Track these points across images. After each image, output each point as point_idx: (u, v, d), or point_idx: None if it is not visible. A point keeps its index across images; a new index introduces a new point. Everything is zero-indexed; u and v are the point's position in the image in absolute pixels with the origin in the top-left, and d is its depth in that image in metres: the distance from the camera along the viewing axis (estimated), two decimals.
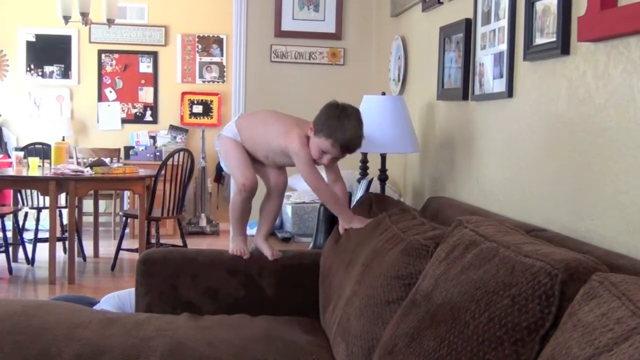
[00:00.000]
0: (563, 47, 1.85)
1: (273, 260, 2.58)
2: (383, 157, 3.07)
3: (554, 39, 1.89)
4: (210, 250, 2.75)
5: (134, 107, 7.80)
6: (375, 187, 3.04)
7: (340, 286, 2.08)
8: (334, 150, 2.31)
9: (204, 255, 2.64)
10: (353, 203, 2.86)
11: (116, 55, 7.74)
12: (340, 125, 2.29)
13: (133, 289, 2.70)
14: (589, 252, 1.44)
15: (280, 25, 4.10)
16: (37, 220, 6.12)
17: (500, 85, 2.28)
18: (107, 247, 6.40)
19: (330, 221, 2.84)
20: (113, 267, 5.72)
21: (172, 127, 7.80)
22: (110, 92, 7.76)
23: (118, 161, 7.01)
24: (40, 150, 6.47)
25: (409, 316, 1.46)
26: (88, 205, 6.58)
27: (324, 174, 2.49)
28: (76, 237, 5.57)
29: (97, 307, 3.13)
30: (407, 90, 3.48)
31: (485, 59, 2.42)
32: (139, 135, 7.75)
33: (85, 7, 6.10)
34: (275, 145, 2.44)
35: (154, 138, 7.75)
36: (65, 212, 5.94)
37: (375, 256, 1.91)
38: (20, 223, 6.02)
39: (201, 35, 7.77)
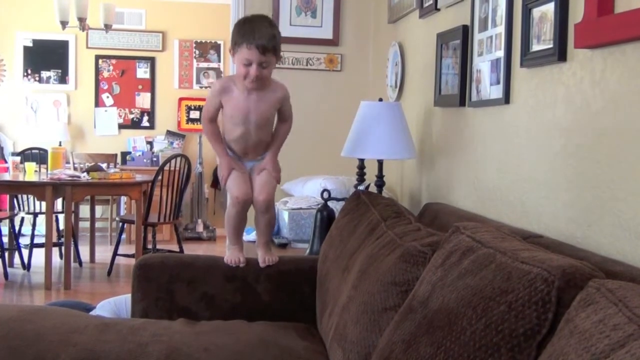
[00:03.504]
0: (560, 53, 1.86)
1: (264, 266, 2.57)
2: (380, 163, 3.07)
3: (551, 46, 1.90)
4: (206, 256, 2.75)
5: (131, 113, 7.80)
6: None
7: (337, 292, 2.08)
8: (252, 53, 2.35)
9: (200, 261, 2.64)
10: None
11: (113, 61, 7.74)
12: (250, 28, 2.38)
13: (129, 295, 2.70)
14: (586, 258, 1.44)
15: None
16: (34, 225, 6.10)
17: (497, 92, 2.29)
18: (104, 253, 6.39)
19: (327, 227, 2.83)
20: (109, 272, 5.71)
21: (169, 133, 7.80)
22: (108, 97, 7.76)
23: (115, 166, 7.00)
24: (37, 156, 6.46)
25: (405, 322, 1.46)
26: (84, 210, 6.58)
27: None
28: (72, 243, 5.56)
29: (93, 312, 3.12)
30: (404, 97, 3.48)
31: (482, 65, 2.42)
32: (136, 140, 7.74)
33: (83, 13, 6.11)
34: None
35: (151, 143, 7.75)
36: (61, 217, 5.93)
37: (372, 262, 1.91)
38: (17, 228, 6.01)
39: (198, 40, 7.77)
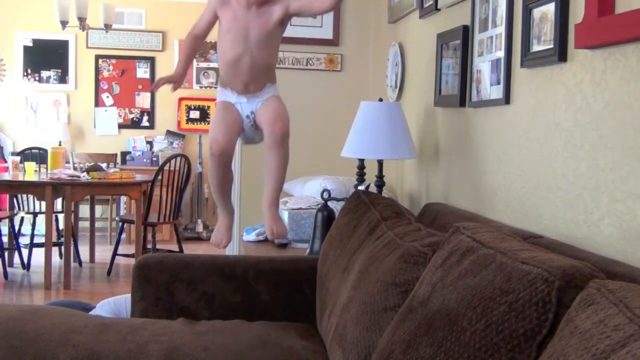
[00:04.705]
0: (560, 54, 1.86)
1: (272, 239, 2.46)
2: (380, 163, 3.07)
3: (551, 46, 1.89)
4: (206, 256, 2.75)
5: (131, 113, 7.80)
6: None
7: (337, 292, 2.08)
8: None
9: (200, 261, 2.63)
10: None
11: (113, 61, 7.74)
12: None
13: (129, 295, 2.70)
14: (586, 258, 1.44)
15: None
16: (33, 225, 6.11)
17: (497, 92, 2.29)
18: (103, 253, 6.39)
19: (327, 227, 2.83)
20: (109, 272, 5.71)
21: (169, 133, 7.80)
22: (107, 97, 7.76)
23: (115, 166, 7.01)
24: (37, 155, 6.46)
25: (405, 323, 1.46)
26: (84, 210, 6.58)
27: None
28: (72, 242, 5.56)
29: (92, 312, 3.12)
30: (404, 97, 3.48)
31: (482, 65, 2.42)
32: (135, 140, 7.74)
33: (83, 12, 6.11)
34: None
35: (150, 143, 7.75)
36: (61, 217, 5.94)
37: (372, 262, 1.91)
38: (16, 228, 6.02)
39: None
